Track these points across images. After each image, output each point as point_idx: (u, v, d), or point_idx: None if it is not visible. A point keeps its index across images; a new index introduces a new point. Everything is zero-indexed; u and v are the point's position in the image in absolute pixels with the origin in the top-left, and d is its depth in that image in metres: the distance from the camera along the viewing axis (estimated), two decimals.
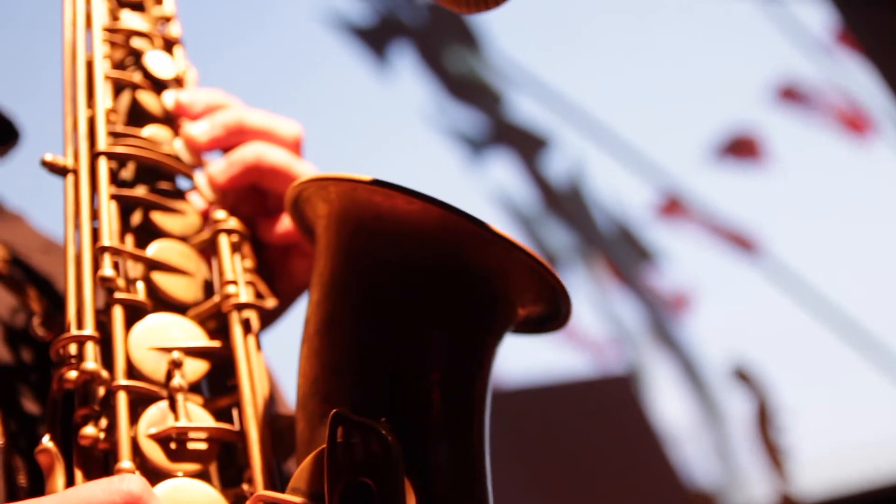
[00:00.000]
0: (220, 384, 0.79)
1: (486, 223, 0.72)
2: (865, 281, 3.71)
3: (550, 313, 0.77)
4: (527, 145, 3.70)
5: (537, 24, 3.58)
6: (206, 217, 0.84)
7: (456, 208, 0.73)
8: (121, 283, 0.77)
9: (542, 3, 3.44)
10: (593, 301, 3.68)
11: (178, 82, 0.88)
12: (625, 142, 3.76)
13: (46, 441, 0.73)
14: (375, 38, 3.51)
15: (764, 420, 2.94)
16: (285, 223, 0.88)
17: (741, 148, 3.93)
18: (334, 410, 0.70)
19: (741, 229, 3.79)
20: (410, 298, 0.75)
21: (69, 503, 0.66)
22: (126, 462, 0.71)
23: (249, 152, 0.87)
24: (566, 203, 3.72)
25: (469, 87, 3.69)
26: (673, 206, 3.82)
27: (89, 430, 0.73)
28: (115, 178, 0.81)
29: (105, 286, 0.77)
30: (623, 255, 3.77)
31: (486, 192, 3.66)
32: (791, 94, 4.05)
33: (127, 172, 0.83)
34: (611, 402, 2.84)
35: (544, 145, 3.73)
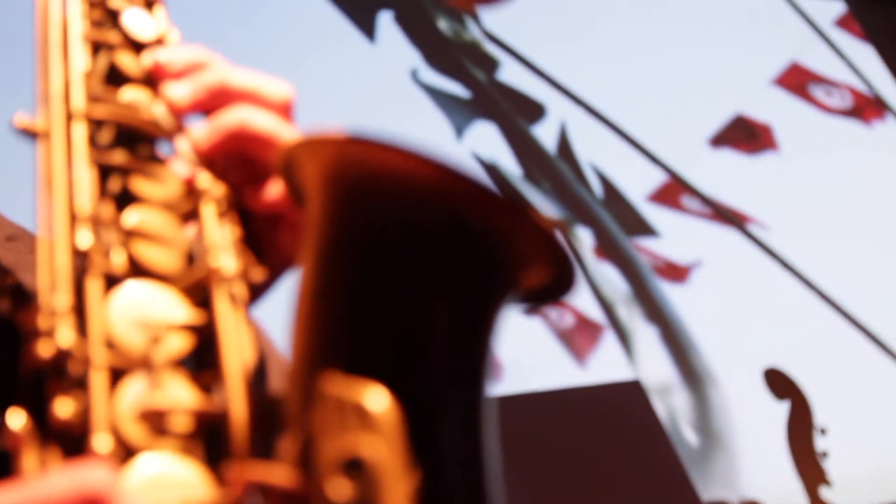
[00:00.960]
0: (206, 359, 0.76)
1: (490, 185, 0.69)
2: (868, 271, 3.65)
3: (555, 281, 0.73)
4: (519, 113, 3.66)
5: (537, 13, 3.55)
6: (190, 184, 0.79)
7: (458, 167, 0.69)
8: (98, 253, 0.73)
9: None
10: (581, 271, 3.64)
11: (159, 42, 0.84)
12: (626, 125, 3.73)
13: (17, 421, 0.69)
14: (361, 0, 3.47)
15: (799, 422, 2.88)
16: (273, 191, 0.84)
17: (745, 133, 3.90)
18: (326, 383, 0.67)
19: (744, 214, 3.76)
20: (410, 263, 0.72)
21: (22, 499, 0.62)
22: (102, 443, 0.67)
23: (233, 118, 0.82)
24: (555, 172, 3.68)
25: (461, 51, 3.65)
26: (673, 190, 3.79)
27: (64, 409, 0.69)
28: (92, 143, 0.77)
29: (82, 256, 0.73)
30: (613, 226, 3.74)
31: (477, 159, 3.63)
32: (795, 81, 4.02)
33: (105, 137, 0.78)
34: (621, 408, 2.80)
35: (537, 114, 3.70)
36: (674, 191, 3.85)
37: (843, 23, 4.25)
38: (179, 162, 0.79)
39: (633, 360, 3.63)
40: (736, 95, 3.96)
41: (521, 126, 3.82)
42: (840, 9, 4.26)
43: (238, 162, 0.83)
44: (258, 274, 0.77)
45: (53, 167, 0.74)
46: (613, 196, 3.84)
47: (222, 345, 0.73)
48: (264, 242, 0.84)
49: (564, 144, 3.83)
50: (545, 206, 3.82)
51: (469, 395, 0.70)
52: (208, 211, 0.77)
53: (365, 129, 0.70)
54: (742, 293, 3.65)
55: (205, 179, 0.77)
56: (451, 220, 0.69)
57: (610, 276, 3.74)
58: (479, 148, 3.68)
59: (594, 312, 3.59)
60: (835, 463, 3.00)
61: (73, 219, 0.73)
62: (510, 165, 3.71)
